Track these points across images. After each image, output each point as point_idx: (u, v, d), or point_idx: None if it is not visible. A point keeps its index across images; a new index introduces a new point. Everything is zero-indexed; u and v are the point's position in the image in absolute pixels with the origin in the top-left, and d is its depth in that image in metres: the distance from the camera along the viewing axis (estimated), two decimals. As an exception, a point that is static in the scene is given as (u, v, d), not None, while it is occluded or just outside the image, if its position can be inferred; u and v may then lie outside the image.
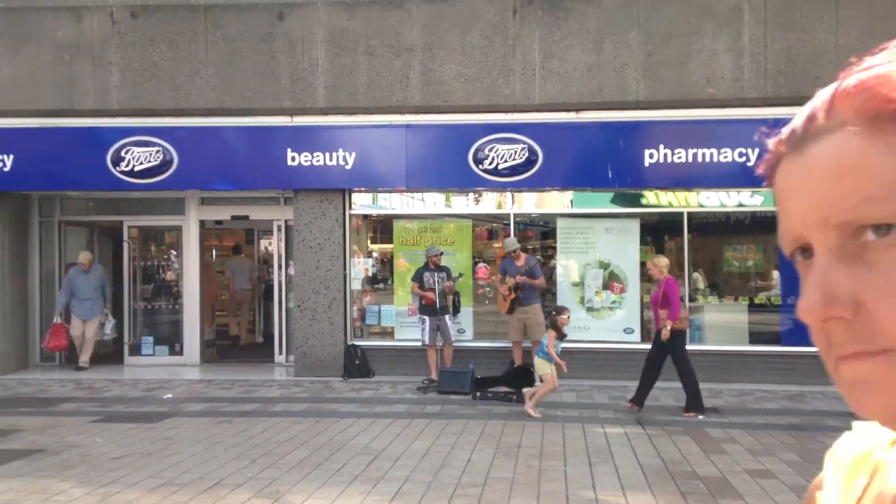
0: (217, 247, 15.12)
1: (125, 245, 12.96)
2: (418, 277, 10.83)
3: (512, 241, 10.92)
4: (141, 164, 11.63)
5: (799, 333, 11.17)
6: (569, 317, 9.03)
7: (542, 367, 8.85)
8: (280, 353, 12.79)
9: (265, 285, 14.61)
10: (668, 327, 8.84)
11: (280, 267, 12.89)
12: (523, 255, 10.89)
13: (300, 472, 6.58)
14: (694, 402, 8.91)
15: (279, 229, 12.78)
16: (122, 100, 11.71)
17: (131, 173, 11.68)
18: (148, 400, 9.95)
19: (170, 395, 10.20)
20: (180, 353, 12.74)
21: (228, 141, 11.67)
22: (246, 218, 12.99)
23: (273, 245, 13.12)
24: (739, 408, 9.44)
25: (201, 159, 11.66)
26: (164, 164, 11.66)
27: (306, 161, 11.52)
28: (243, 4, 11.58)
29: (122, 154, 11.66)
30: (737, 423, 8.58)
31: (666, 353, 9.04)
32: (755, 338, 11.39)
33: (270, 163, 11.57)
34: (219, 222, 13.46)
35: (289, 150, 11.53)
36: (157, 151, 11.64)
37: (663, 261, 9.30)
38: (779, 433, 8.10)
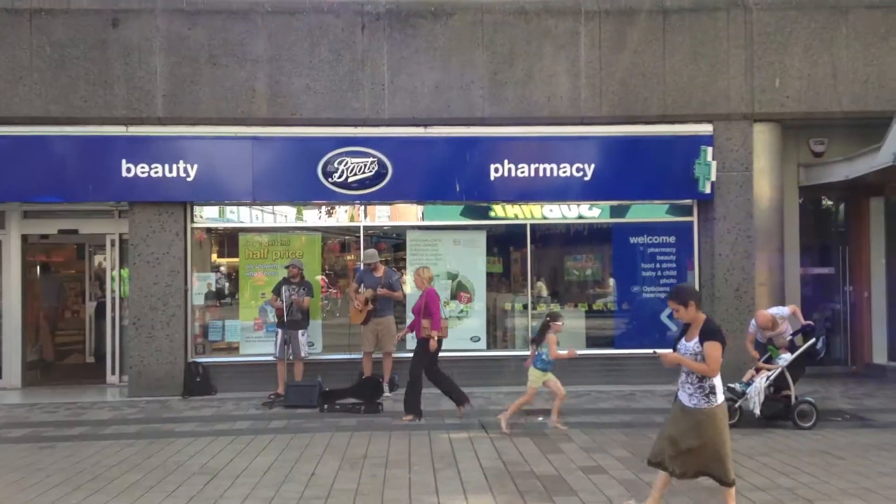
0: (44, 263, 14.05)
1: (-65, 263, 11.79)
2: (277, 289, 10.67)
3: (372, 253, 10.92)
4: (-46, 174, 10.68)
5: (630, 337, 11.85)
6: (563, 323, 8.85)
7: (534, 377, 8.59)
8: (113, 373, 12.02)
9: (97, 303, 13.72)
10: (435, 336, 9.18)
11: (110, 283, 12.14)
12: (382, 267, 10.91)
13: (130, 497, 6.21)
14: (411, 405, 9.24)
15: (112, 244, 12.06)
16: (-67, 106, 10.75)
17: (-58, 184, 10.71)
18: (-41, 428, 9.08)
19: (-16, 422, 9.37)
20: (-1, 376, 11.74)
21: (55, 151, 10.94)
22: (75, 232, 12.17)
23: (106, 260, 12.36)
24: (576, 408, 9.83)
25: (23, 170, 10.87)
26: (-19, 175, 10.77)
27: (143, 172, 11.01)
28: (73, 10, 10.96)
29: (-66, 163, 10.68)
30: (573, 423, 8.92)
31: (434, 358, 9.34)
32: (592, 342, 11.95)
33: (103, 174, 10.96)
34: (44, 236, 12.54)
35: (123, 160, 10.98)
36: (-27, 161, 10.74)
37: (427, 272, 9.62)
38: (611, 431, 8.50)
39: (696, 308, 5.36)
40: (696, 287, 11.68)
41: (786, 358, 8.85)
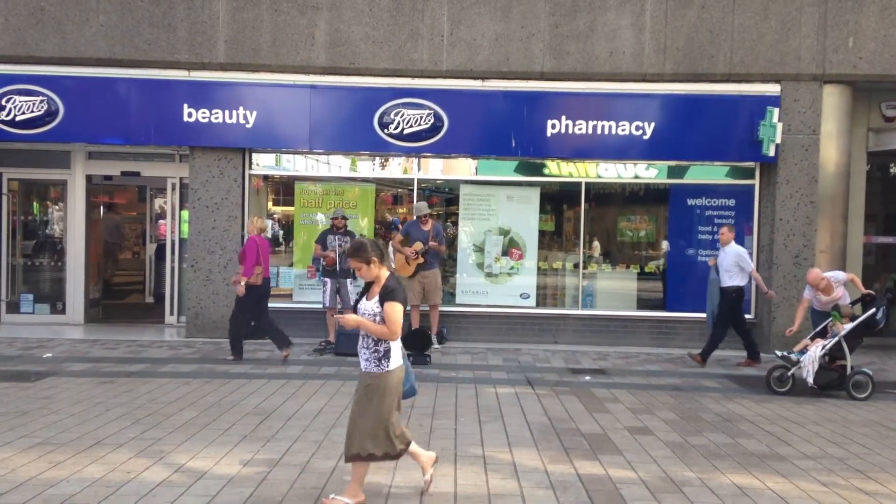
0: (107, 203, 14.46)
1: (3, 198, 12.24)
2: (321, 239, 10.74)
3: (423, 206, 10.95)
4: (23, 113, 11.03)
5: (681, 300, 11.69)
6: None
7: None
8: (171, 313, 12.43)
9: (157, 245, 14.11)
10: (242, 283, 9.52)
11: (171, 225, 12.44)
12: (430, 221, 10.93)
13: (186, 433, 6.42)
14: (234, 347, 9.76)
15: (173, 187, 12.35)
16: (5, 45, 11.04)
17: (12, 123, 11.05)
18: (26, 359, 9.50)
19: (49, 355, 9.77)
20: (63, 311, 12.20)
21: (120, 93, 11.15)
22: (137, 174, 12.46)
23: (167, 203, 12.65)
24: (624, 369, 9.81)
25: (89, 111, 11.11)
26: (49, 115, 11.08)
27: (204, 118, 11.15)
28: (139, -49, 11.05)
29: (3, 103, 11.04)
30: (620, 383, 8.91)
31: (255, 303, 9.73)
32: (642, 304, 11.86)
33: (165, 118, 11.14)
34: (108, 178, 12.86)
35: (185, 105, 11.13)
36: (42, 101, 11.05)
37: (259, 222, 9.91)
38: (659, 393, 8.46)
39: (378, 265, 4.82)
40: (754, 251, 11.47)
41: (845, 327, 8.63)
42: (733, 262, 9.84)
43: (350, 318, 4.77)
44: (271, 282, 10.36)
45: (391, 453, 4.83)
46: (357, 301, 4.96)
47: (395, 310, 4.70)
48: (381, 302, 4.74)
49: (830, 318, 8.77)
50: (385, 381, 4.77)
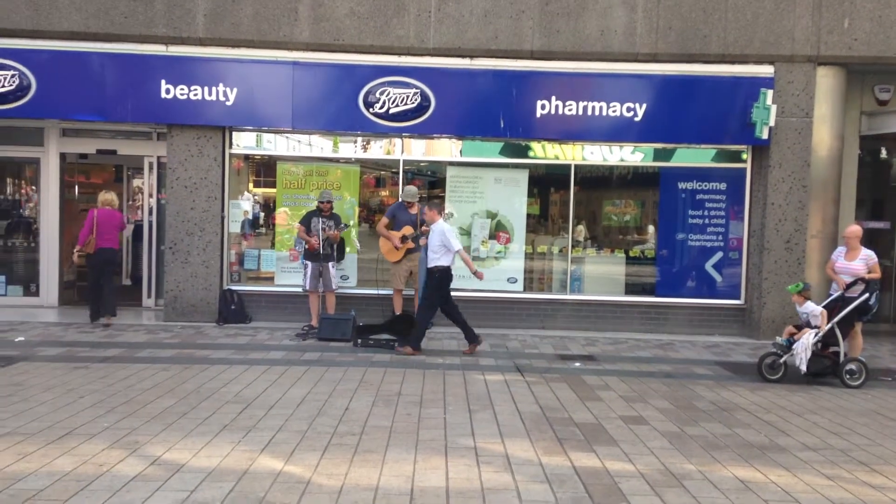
0: (83, 183, 13.99)
1: (-25, 177, 11.84)
2: (306, 221, 10.44)
3: (413, 190, 10.67)
4: (-7, 88, 10.60)
5: (671, 285, 11.52)
6: None
7: None
8: (149, 296, 12.08)
9: (134, 225, 13.71)
10: (76, 251, 10.44)
11: (150, 206, 12.06)
12: (416, 205, 10.66)
13: (163, 422, 6.14)
14: (99, 311, 10.53)
15: (150, 166, 11.95)
16: (-27, 16, 10.58)
17: (-19, 98, 10.62)
18: (-4, 343, 9.16)
19: (21, 338, 9.42)
20: (36, 293, 11.81)
21: (95, 68, 10.73)
22: (114, 153, 12.05)
23: (144, 183, 12.26)
24: (614, 356, 9.63)
25: (63, 86, 10.69)
26: (21, 90, 10.65)
27: (182, 94, 10.77)
28: (115, -81, 10.60)
29: (-28, 77, 10.60)
30: (611, 370, 8.73)
31: (98, 270, 10.48)
32: (630, 289, 11.66)
33: (142, 94, 10.75)
34: (83, 156, 12.44)
35: (163, 81, 10.74)
36: (13, 75, 10.63)
37: (103, 196, 10.63)
38: (650, 380, 8.28)
39: None
40: (745, 236, 11.30)
41: (816, 311, 8.49)
42: (439, 243, 9.34)
43: None
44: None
45: None
46: None
47: None
48: None
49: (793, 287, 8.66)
50: None
